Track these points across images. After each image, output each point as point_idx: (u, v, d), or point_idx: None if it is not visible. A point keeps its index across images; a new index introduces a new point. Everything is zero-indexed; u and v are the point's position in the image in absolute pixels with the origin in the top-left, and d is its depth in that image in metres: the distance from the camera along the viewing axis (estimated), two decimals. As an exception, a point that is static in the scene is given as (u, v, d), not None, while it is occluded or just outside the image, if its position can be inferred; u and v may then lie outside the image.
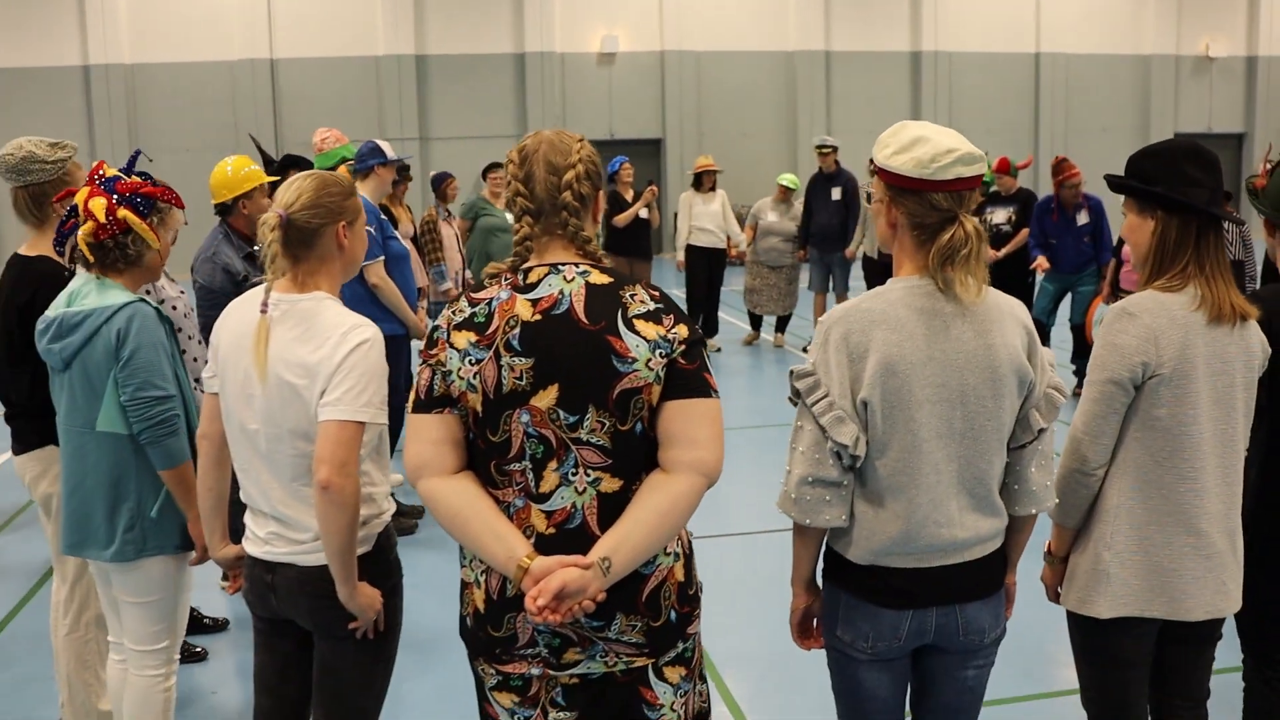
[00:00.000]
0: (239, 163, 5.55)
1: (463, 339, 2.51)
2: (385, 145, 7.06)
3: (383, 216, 6.83)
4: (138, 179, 3.50)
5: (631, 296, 2.50)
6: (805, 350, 11.94)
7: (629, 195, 12.28)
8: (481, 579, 2.58)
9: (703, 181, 12.54)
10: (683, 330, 2.51)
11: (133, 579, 3.54)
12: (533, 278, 2.52)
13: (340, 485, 2.75)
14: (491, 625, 2.58)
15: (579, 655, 2.56)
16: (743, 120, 24.73)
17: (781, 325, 12.95)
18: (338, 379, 2.80)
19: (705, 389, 2.51)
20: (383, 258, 6.61)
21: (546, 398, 2.46)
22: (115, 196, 3.42)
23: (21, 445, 4.12)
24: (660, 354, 2.46)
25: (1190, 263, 2.95)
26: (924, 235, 2.65)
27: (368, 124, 22.61)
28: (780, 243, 12.46)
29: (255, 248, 5.76)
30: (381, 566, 3.00)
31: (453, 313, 2.55)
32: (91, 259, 3.44)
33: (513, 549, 2.45)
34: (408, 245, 7.52)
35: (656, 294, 2.55)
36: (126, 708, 3.65)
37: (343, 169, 7.47)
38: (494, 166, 11.49)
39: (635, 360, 2.44)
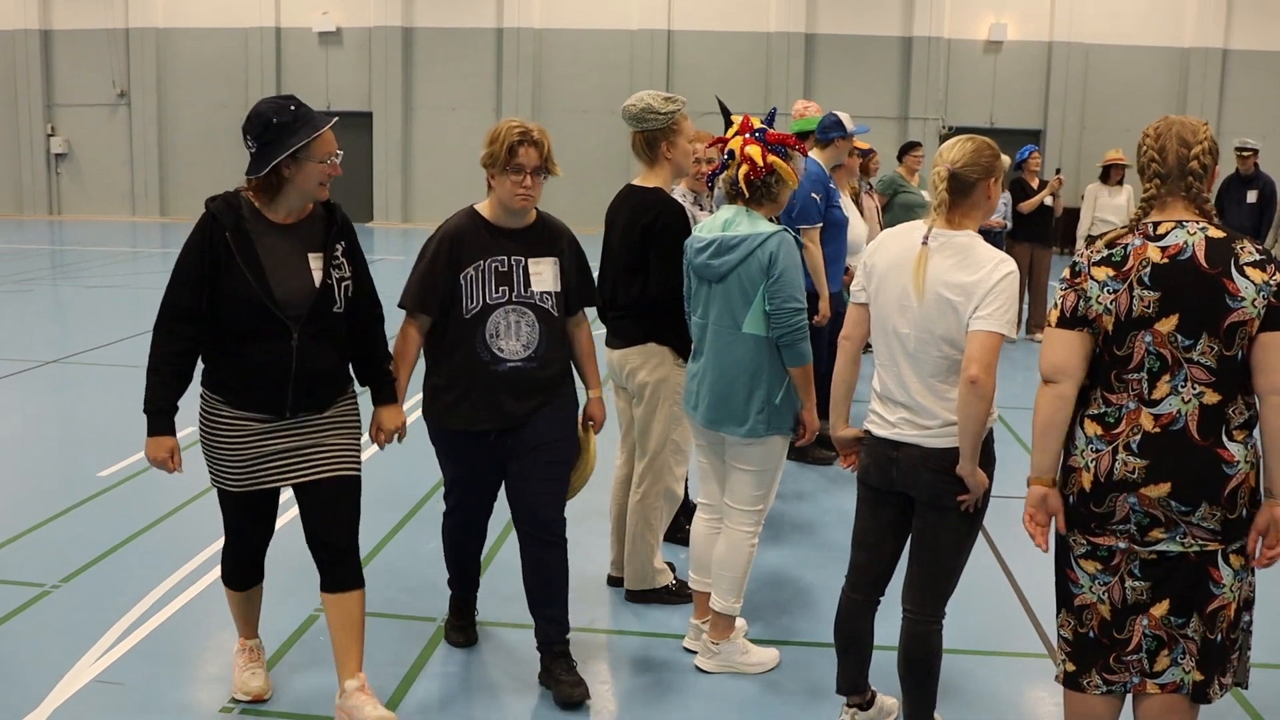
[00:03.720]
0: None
1: (1101, 273, 3.21)
2: (845, 118, 7.73)
3: (831, 185, 7.47)
4: (779, 131, 4.36)
5: (1241, 248, 3.12)
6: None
7: (1034, 183, 12.62)
8: (1091, 464, 3.26)
9: (1110, 174, 12.75)
10: None
11: (753, 451, 4.43)
12: (1161, 230, 3.18)
13: (985, 381, 3.49)
14: (1094, 502, 3.26)
15: (1162, 534, 3.21)
16: (1129, 116, 24.22)
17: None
18: (990, 298, 3.53)
19: None
20: (820, 224, 7.26)
21: (1168, 324, 3.12)
22: (767, 145, 4.29)
23: (623, 341, 5.07)
24: (1263, 295, 3.08)
25: None
26: None
27: (754, 98, 23.56)
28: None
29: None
30: (988, 455, 3.71)
31: (1092, 252, 3.25)
32: (748, 194, 4.34)
33: None
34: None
35: (1259, 247, 3.15)
36: (717, 554, 4.56)
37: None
38: (911, 146, 12.09)
39: (1244, 299, 3.07)
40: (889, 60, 24.61)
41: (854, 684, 4.10)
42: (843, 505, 4.03)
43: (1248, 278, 3.08)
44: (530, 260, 4.27)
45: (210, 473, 4.07)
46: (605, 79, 24.51)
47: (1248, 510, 3.20)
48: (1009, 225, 12.33)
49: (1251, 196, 12.10)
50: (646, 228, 4.89)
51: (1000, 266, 3.57)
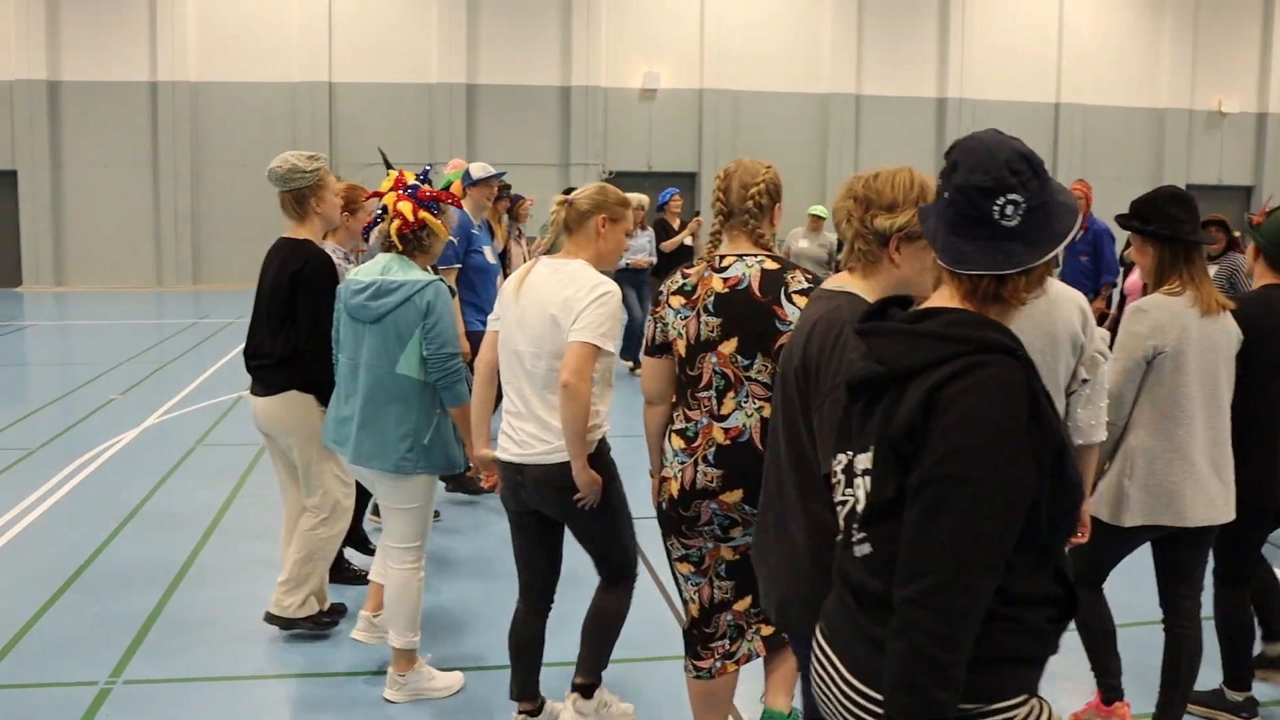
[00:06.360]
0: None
1: (676, 301, 3.68)
2: (476, 167, 8.08)
3: (474, 231, 7.81)
4: (430, 188, 4.66)
5: (791, 278, 3.61)
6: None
7: (675, 224, 13.40)
8: (678, 474, 3.70)
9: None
10: None
11: (402, 489, 4.66)
12: (725, 263, 3.67)
13: (576, 385, 3.89)
14: (682, 507, 3.71)
15: (740, 533, 3.68)
16: (775, 157, 24.98)
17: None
18: (586, 312, 3.94)
19: None
20: (459, 266, 7.63)
21: (729, 346, 3.60)
22: (418, 201, 4.57)
23: (266, 389, 5.21)
24: None
25: (1183, 274, 4.06)
26: None
27: (419, 148, 23.85)
28: (812, 266, 13.58)
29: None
30: (600, 462, 4.12)
31: (670, 282, 3.71)
32: (400, 246, 4.64)
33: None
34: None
35: (809, 276, 3.66)
36: (388, 594, 4.78)
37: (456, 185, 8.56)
38: (569, 191, 12.58)
39: (790, 322, 3.56)
40: (549, 109, 25.44)
41: (524, 689, 4.42)
42: (509, 533, 4.39)
43: (794, 304, 3.58)
44: None
45: None
46: (266, 132, 24.21)
47: None
48: (654, 261, 13.07)
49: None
50: (295, 275, 5.09)
51: (600, 287, 4.01)
